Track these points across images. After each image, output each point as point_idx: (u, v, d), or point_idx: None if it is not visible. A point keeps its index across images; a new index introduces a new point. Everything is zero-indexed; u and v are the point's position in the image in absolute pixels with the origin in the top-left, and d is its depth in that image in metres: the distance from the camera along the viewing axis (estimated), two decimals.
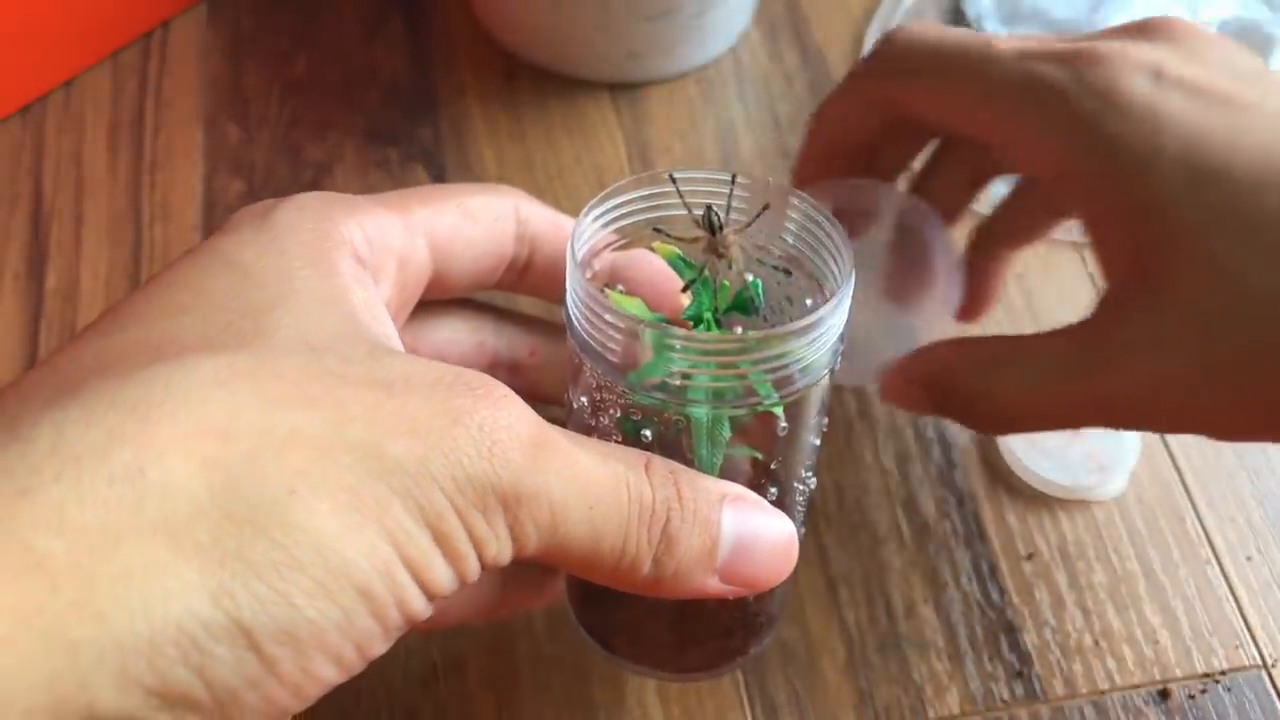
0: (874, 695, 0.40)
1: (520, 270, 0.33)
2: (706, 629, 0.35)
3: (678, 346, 0.27)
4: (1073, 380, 0.33)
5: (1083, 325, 0.34)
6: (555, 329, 0.36)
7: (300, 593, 0.22)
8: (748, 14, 0.57)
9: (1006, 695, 0.40)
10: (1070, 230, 0.51)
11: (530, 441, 0.25)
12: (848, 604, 0.42)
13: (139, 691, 0.21)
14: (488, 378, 0.26)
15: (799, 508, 0.34)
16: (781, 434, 0.31)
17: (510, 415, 0.25)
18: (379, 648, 0.24)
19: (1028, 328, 0.48)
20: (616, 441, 0.30)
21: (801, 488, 0.33)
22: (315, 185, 0.52)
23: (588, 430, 0.31)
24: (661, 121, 0.54)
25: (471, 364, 0.34)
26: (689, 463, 0.29)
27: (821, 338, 0.28)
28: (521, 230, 0.33)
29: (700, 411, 0.29)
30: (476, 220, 0.31)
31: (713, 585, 0.28)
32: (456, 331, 0.34)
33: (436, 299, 0.33)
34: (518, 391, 0.26)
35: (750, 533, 0.28)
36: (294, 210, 0.28)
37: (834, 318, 0.28)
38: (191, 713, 0.22)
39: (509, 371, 0.35)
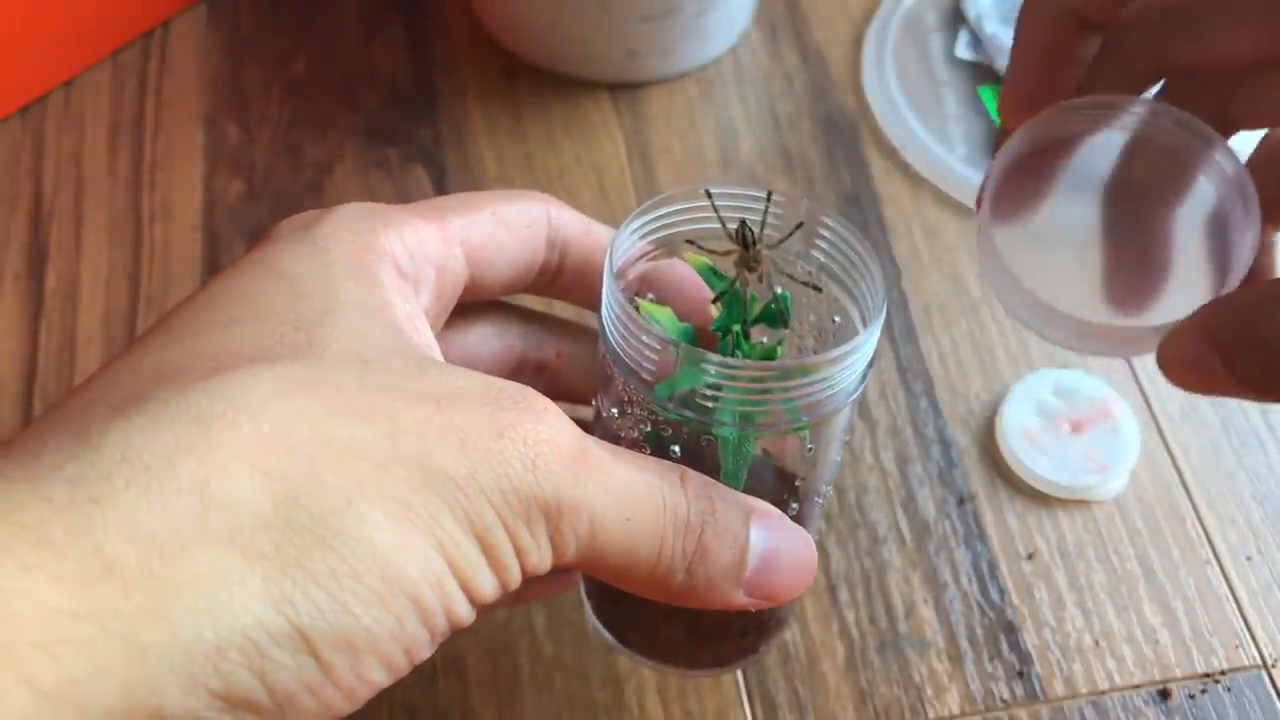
0: (874, 695, 0.40)
1: (552, 275, 0.34)
2: (721, 631, 0.35)
3: (711, 371, 0.28)
4: None
5: None
6: (581, 331, 0.36)
7: (357, 601, 0.23)
8: (748, 14, 0.57)
9: (1006, 695, 0.40)
10: None
11: (571, 454, 0.26)
12: (848, 604, 0.42)
13: (204, 695, 0.22)
14: (529, 390, 0.27)
15: (816, 519, 0.34)
16: (808, 455, 0.31)
17: (552, 428, 0.26)
18: (426, 653, 0.25)
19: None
20: (644, 452, 0.30)
21: (820, 501, 0.34)
22: (315, 185, 0.52)
23: (615, 439, 0.31)
24: (661, 121, 0.54)
25: (500, 366, 0.35)
26: (714, 475, 0.30)
27: (853, 365, 0.29)
28: (553, 236, 0.33)
29: (727, 431, 0.29)
30: (510, 227, 0.32)
31: (739, 598, 0.29)
32: (486, 335, 0.35)
33: (468, 302, 0.34)
34: (543, 391, 0.27)
35: (775, 548, 0.29)
36: (335, 223, 0.29)
37: (866, 345, 0.29)
38: (252, 714, 0.22)
39: (535, 372, 0.36)
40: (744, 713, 0.39)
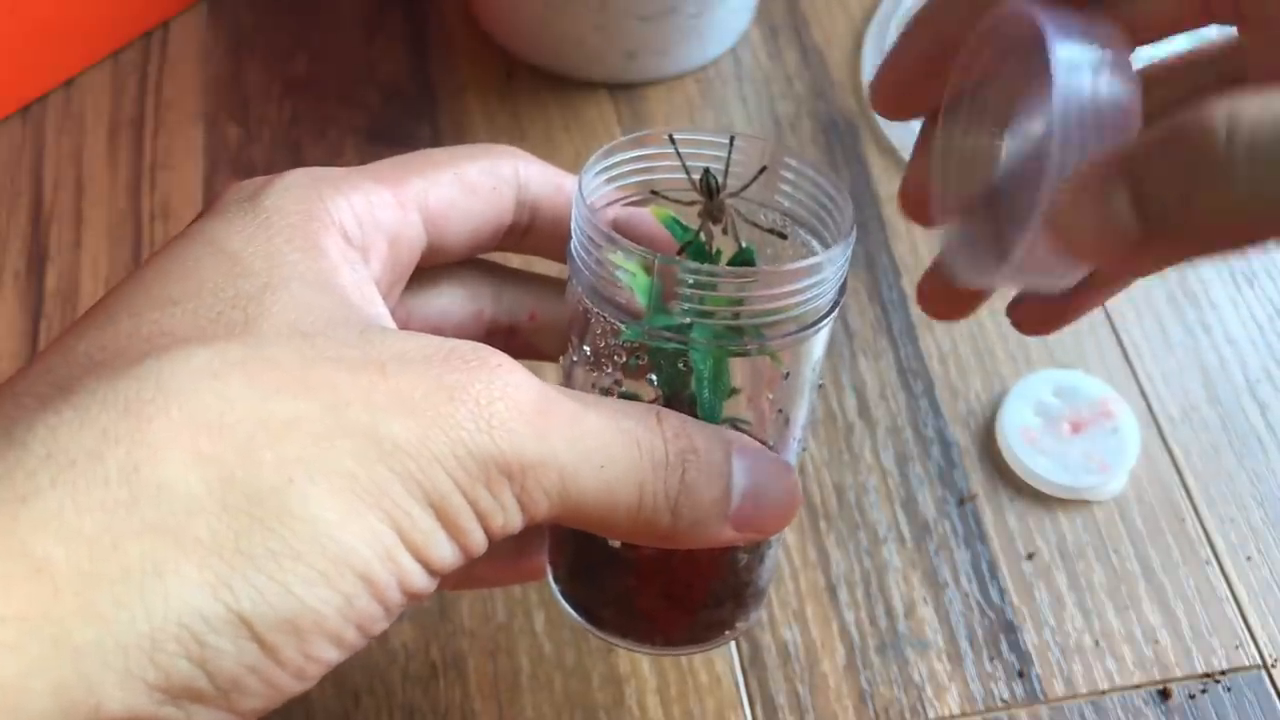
0: (874, 695, 0.40)
1: (522, 232, 0.33)
2: (696, 599, 0.34)
3: (690, 279, 0.27)
4: None
5: None
6: (556, 287, 0.35)
7: (300, 581, 0.22)
8: (748, 14, 0.57)
9: (1006, 695, 0.40)
10: None
11: (532, 408, 0.25)
12: (848, 604, 0.42)
13: (143, 688, 0.21)
14: (482, 347, 0.26)
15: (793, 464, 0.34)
16: (784, 380, 0.31)
17: (507, 384, 0.25)
18: (381, 626, 0.24)
19: None
20: (619, 391, 0.30)
21: (796, 447, 0.33)
22: None
23: (590, 381, 0.31)
24: (661, 121, 0.54)
25: (469, 331, 0.33)
26: (691, 412, 0.29)
27: (824, 281, 0.28)
28: (522, 194, 0.32)
29: (703, 355, 0.29)
30: (474, 189, 0.31)
31: (727, 533, 0.29)
32: (452, 300, 0.34)
33: (431, 265, 0.33)
34: (518, 353, 0.26)
35: (758, 480, 0.29)
36: (280, 191, 0.28)
37: (838, 262, 0.29)
38: (196, 703, 0.22)
39: (508, 335, 0.35)
40: (744, 713, 0.39)
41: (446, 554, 0.25)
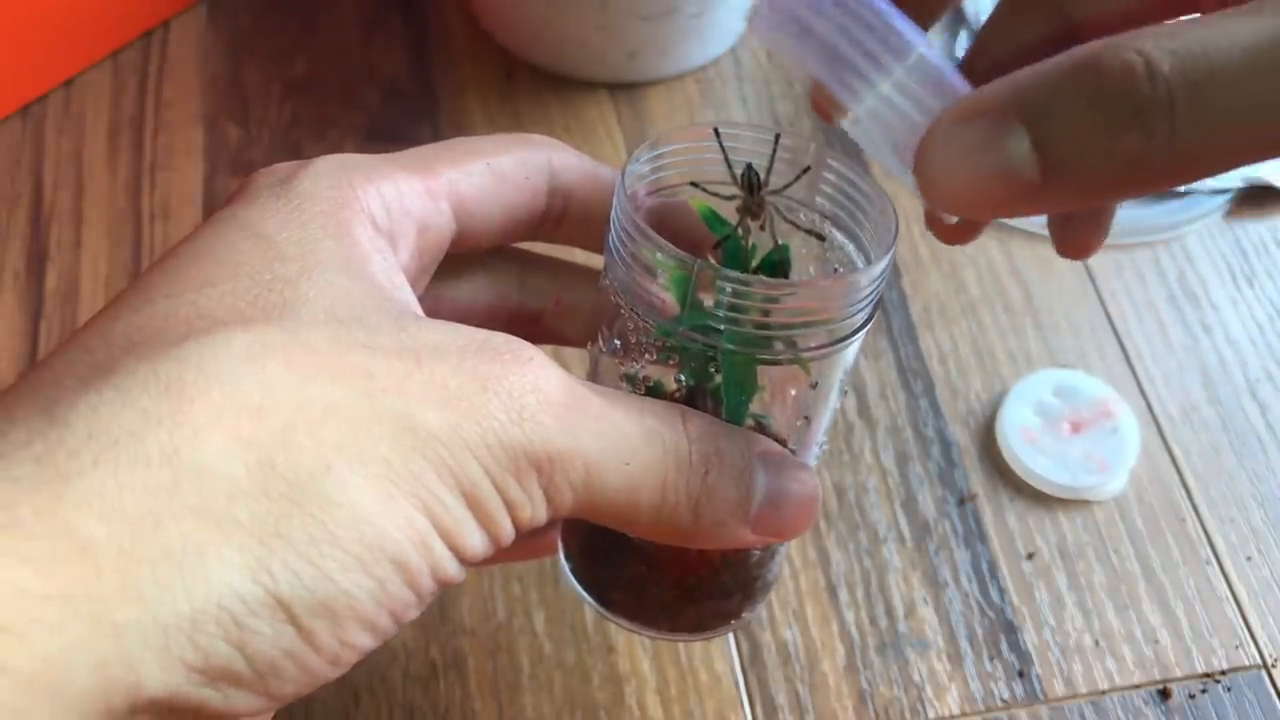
0: (874, 695, 0.40)
1: (555, 222, 0.33)
2: (706, 589, 0.35)
3: (727, 288, 0.27)
4: None
5: None
6: (582, 274, 0.35)
7: (337, 566, 0.23)
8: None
9: (1006, 695, 0.40)
10: None
11: (561, 402, 0.25)
12: (848, 604, 0.42)
13: (182, 668, 0.21)
14: (515, 340, 0.26)
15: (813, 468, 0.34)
16: (812, 389, 0.31)
17: (539, 378, 0.25)
18: (413, 613, 0.25)
19: (1028, 326, 0.48)
20: (646, 387, 0.30)
21: (818, 451, 0.33)
22: None
23: (618, 372, 0.31)
24: (661, 121, 0.54)
25: (495, 318, 0.34)
26: (716, 412, 0.29)
27: (861, 297, 0.28)
28: (554, 184, 0.32)
29: (732, 359, 0.29)
30: (506, 179, 0.31)
31: (746, 536, 0.29)
32: (479, 287, 0.34)
33: (459, 253, 0.33)
34: (541, 339, 0.26)
35: (780, 484, 0.29)
36: (312, 177, 0.28)
37: (877, 279, 0.28)
38: (234, 686, 0.22)
39: (533, 320, 0.35)
40: (744, 713, 0.39)
41: (477, 543, 0.25)
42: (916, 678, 0.40)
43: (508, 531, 0.25)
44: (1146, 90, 0.20)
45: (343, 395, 0.23)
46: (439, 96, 0.55)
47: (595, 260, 0.31)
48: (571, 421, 0.26)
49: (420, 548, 0.24)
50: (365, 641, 0.24)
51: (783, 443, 0.31)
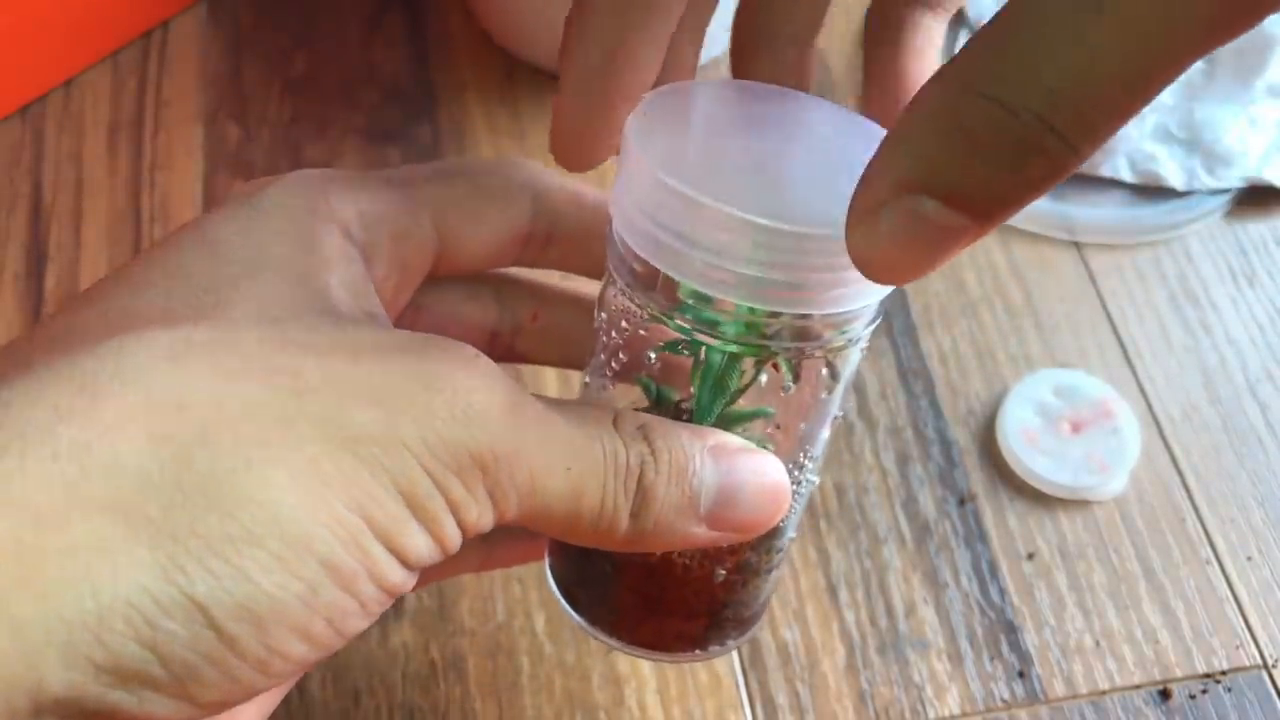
0: (874, 695, 0.40)
1: (541, 244, 0.32)
2: (670, 604, 0.33)
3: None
4: None
5: None
6: (560, 293, 0.35)
7: (258, 567, 0.22)
8: None
9: (1006, 695, 0.40)
10: (1070, 230, 0.51)
11: (505, 403, 0.25)
12: (848, 604, 0.42)
13: (89, 668, 0.21)
14: (457, 342, 0.25)
15: (799, 495, 0.32)
16: (786, 393, 0.30)
17: (485, 378, 0.25)
18: (356, 622, 0.24)
19: (1028, 326, 0.48)
20: (653, 390, 0.29)
21: (798, 473, 0.32)
22: None
23: (605, 385, 0.30)
24: None
25: (471, 339, 0.33)
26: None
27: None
28: (539, 205, 0.32)
29: (719, 352, 0.28)
30: (488, 197, 0.31)
31: (701, 534, 0.28)
32: (457, 299, 0.33)
33: (448, 274, 0.32)
34: (520, 358, 0.25)
35: (735, 478, 0.28)
36: (284, 186, 0.28)
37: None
38: (148, 689, 0.21)
39: (512, 338, 0.34)
40: (744, 713, 0.39)
41: (420, 544, 0.24)
42: (916, 678, 0.40)
43: (453, 534, 0.24)
44: (1018, 126, 0.20)
45: (268, 394, 0.23)
46: (439, 96, 0.55)
47: (575, 282, 0.31)
48: (516, 424, 0.25)
49: (353, 548, 0.23)
50: (300, 650, 0.23)
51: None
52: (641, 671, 0.40)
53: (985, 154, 0.21)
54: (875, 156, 0.22)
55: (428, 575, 0.33)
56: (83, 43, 0.55)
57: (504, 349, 0.34)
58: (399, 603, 0.41)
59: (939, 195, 0.21)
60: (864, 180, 0.22)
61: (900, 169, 0.22)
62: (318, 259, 0.27)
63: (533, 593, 0.41)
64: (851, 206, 0.23)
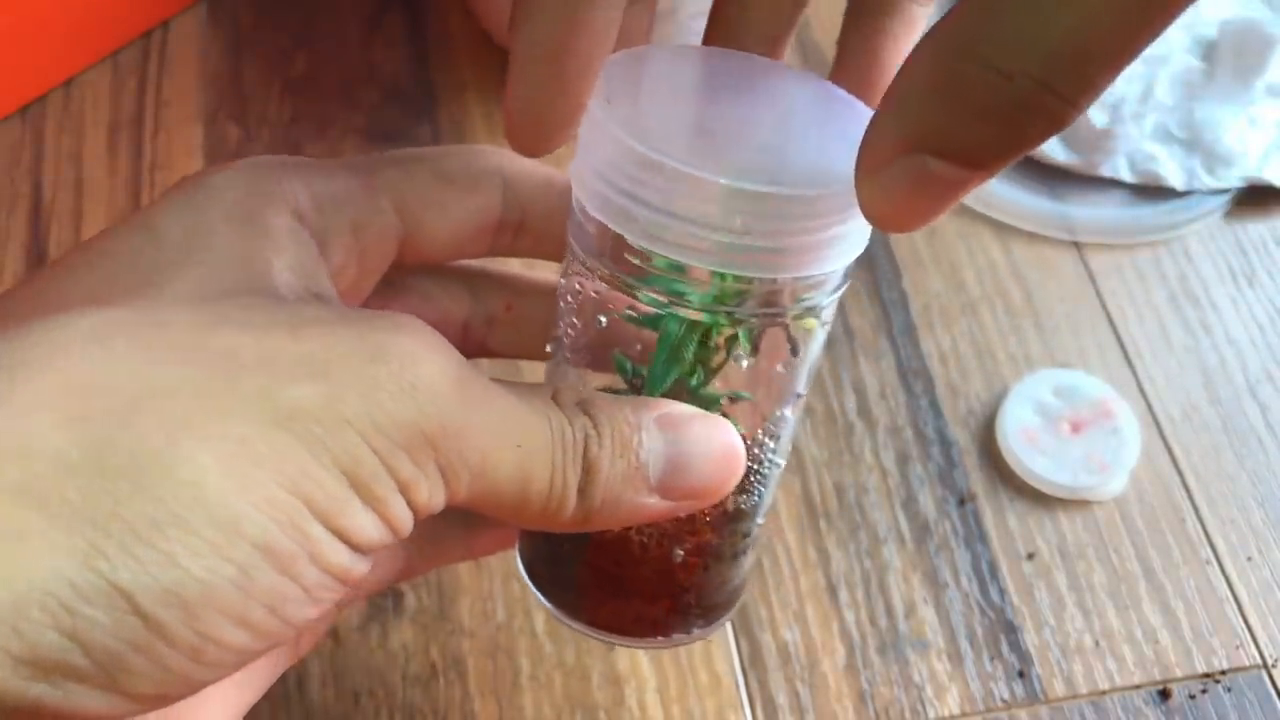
0: (874, 695, 0.40)
1: (513, 232, 0.32)
2: (630, 584, 0.32)
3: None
4: None
5: None
6: (534, 285, 0.34)
7: (185, 551, 0.21)
8: None
9: (1006, 695, 0.40)
10: (1070, 230, 0.51)
11: (456, 377, 0.24)
12: (848, 604, 0.42)
13: (6, 660, 0.20)
14: (404, 315, 0.25)
15: (763, 477, 0.31)
16: (745, 365, 0.29)
17: (432, 349, 0.24)
18: (301, 609, 0.23)
19: (1028, 326, 0.48)
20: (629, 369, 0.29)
21: (759, 452, 0.31)
22: None
23: (572, 371, 0.30)
24: None
25: (445, 330, 0.32)
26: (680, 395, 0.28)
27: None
28: (509, 193, 0.31)
29: (675, 321, 0.27)
30: (452, 182, 0.30)
31: (654, 505, 0.27)
32: (428, 291, 0.32)
33: (418, 265, 0.32)
34: (493, 351, 0.24)
35: (684, 446, 0.27)
36: (233, 171, 0.27)
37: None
38: (73, 681, 0.21)
39: (485, 330, 0.34)
40: (744, 713, 0.39)
41: (366, 525, 0.23)
42: (916, 678, 0.40)
43: (402, 514, 0.24)
44: (1018, 91, 0.21)
45: (196, 373, 0.22)
46: (439, 96, 0.55)
47: (551, 272, 0.30)
48: (465, 397, 0.24)
49: (289, 529, 0.22)
50: (239, 638, 0.22)
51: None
52: (641, 671, 0.40)
53: (986, 117, 0.21)
54: (875, 118, 0.23)
55: (410, 568, 0.33)
56: (83, 43, 0.54)
57: (476, 344, 0.34)
58: (399, 603, 0.41)
59: (943, 155, 0.22)
60: (867, 141, 0.23)
61: (903, 130, 0.22)
62: (263, 242, 0.26)
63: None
64: (859, 165, 0.23)
